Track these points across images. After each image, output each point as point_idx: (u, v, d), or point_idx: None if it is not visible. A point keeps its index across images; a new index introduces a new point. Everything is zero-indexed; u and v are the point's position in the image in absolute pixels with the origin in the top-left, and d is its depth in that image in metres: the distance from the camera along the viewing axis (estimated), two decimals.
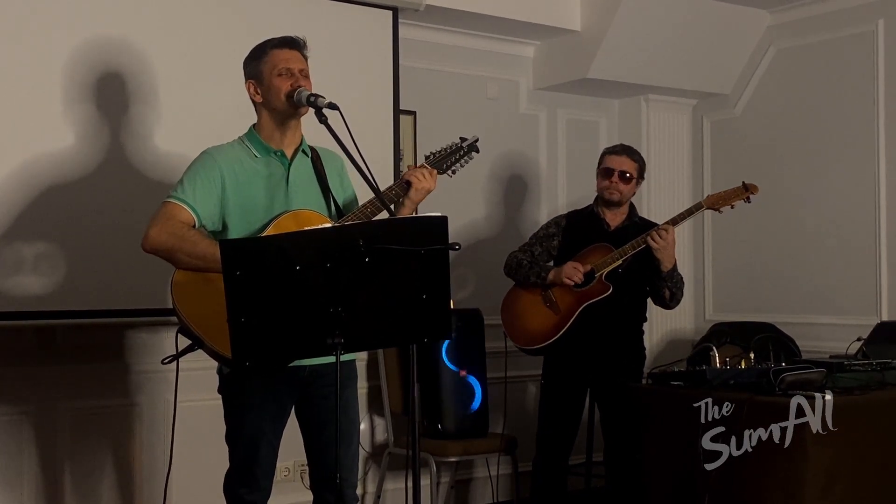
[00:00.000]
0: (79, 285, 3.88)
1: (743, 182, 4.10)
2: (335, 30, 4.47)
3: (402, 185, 3.10)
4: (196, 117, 4.03)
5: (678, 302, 4.23)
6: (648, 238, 4.02)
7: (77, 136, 3.89)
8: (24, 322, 3.85)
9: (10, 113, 3.77)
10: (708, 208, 4.08)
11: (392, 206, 3.05)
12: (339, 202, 3.14)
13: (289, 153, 3.09)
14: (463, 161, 3.26)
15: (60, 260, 3.86)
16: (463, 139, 3.26)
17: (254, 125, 3.12)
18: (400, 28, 4.71)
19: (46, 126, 3.83)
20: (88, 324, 4.00)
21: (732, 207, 4.12)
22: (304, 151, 3.12)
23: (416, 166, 3.17)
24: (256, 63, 3.07)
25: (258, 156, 3.06)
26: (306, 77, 3.06)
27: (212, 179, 2.97)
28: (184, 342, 2.89)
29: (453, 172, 3.25)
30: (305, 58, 3.09)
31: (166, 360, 2.91)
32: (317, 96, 2.98)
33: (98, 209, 3.91)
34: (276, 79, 3.02)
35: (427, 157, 3.21)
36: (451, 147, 3.24)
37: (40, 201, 3.80)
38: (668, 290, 4.14)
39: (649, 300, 4.34)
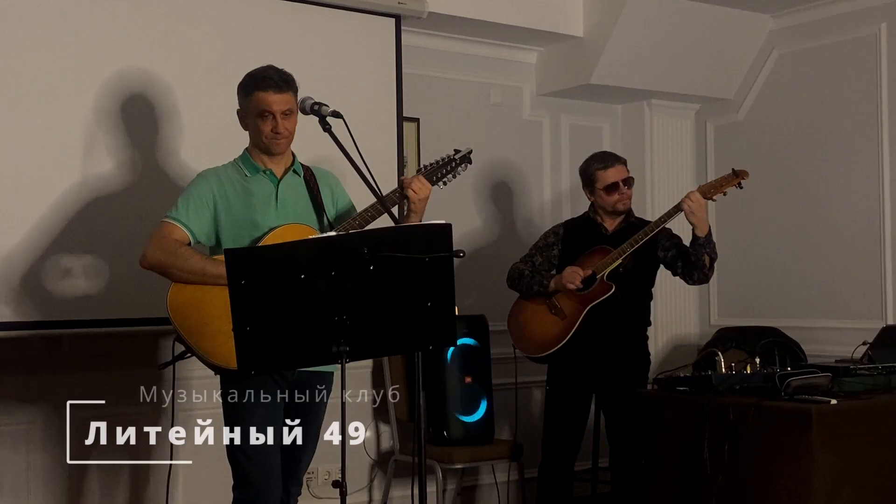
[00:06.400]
0: (86, 294, 3.89)
1: (732, 168, 4.09)
2: (338, 38, 4.48)
3: (398, 196, 3.18)
4: (215, 130, 3.99)
5: (713, 270, 4.17)
6: (682, 203, 3.98)
7: (81, 150, 3.90)
8: (31, 332, 3.85)
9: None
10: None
11: (396, 211, 3.12)
12: (331, 217, 3.24)
13: (278, 172, 3.20)
14: (456, 172, 3.32)
15: (67, 269, 3.87)
16: (457, 151, 3.32)
17: (247, 147, 3.24)
18: (403, 35, 4.71)
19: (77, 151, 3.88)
20: (95, 333, 4.00)
21: (725, 195, 4.10)
22: (295, 171, 3.22)
23: (411, 177, 3.21)
24: (242, 98, 3.18)
25: (248, 175, 3.19)
26: (287, 116, 3.11)
27: (203, 199, 3.14)
28: (179, 349, 3.08)
29: (444, 184, 3.32)
30: (295, 92, 3.14)
31: (163, 366, 3.11)
32: (321, 104, 3.04)
33: (113, 217, 3.94)
34: (257, 120, 3.12)
35: (419, 170, 3.28)
36: (444, 159, 3.30)
37: (50, 215, 3.81)
38: (708, 255, 4.07)
39: (652, 303, 4.35)
